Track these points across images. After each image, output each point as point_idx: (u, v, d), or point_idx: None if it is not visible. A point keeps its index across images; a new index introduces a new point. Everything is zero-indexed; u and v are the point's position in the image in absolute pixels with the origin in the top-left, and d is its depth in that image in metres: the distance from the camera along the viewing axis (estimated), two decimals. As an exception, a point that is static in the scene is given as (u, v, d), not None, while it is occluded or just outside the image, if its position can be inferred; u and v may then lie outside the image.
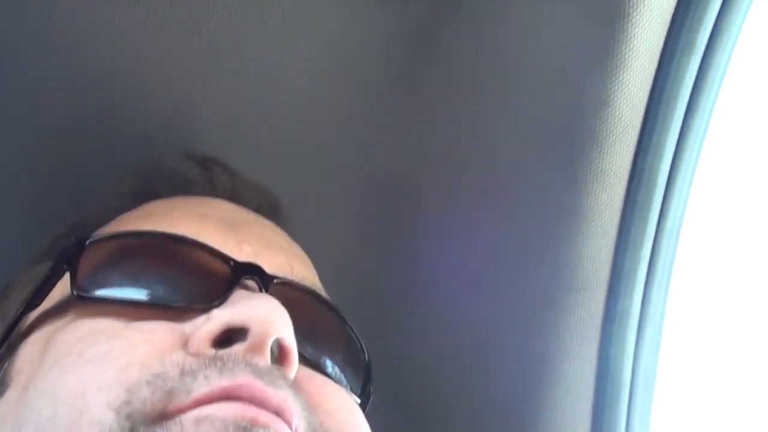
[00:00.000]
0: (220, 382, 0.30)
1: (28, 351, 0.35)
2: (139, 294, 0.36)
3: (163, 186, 0.45)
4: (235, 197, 0.45)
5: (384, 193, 0.50)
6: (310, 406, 0.33)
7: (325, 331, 0.39)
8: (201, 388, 0.30)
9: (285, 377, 0.33)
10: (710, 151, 0.47)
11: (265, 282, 0.36)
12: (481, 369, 0.50)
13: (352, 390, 0.39)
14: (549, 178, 0.43)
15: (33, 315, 0.37)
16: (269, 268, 0.37)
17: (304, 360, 0.36)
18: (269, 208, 0.45)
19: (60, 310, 0.36)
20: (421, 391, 0.53)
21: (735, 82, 0.46)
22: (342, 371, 0.39)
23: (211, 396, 0.30)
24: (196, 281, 0.36)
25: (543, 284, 0.47)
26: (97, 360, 0.32)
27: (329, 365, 0.38)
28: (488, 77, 0.44)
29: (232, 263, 0.36)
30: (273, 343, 0.33)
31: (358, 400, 0.39)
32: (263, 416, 0.30)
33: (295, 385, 0.33)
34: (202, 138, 0.48)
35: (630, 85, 0.43)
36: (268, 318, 0.33)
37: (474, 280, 0.49)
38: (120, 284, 0.36)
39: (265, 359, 0.32)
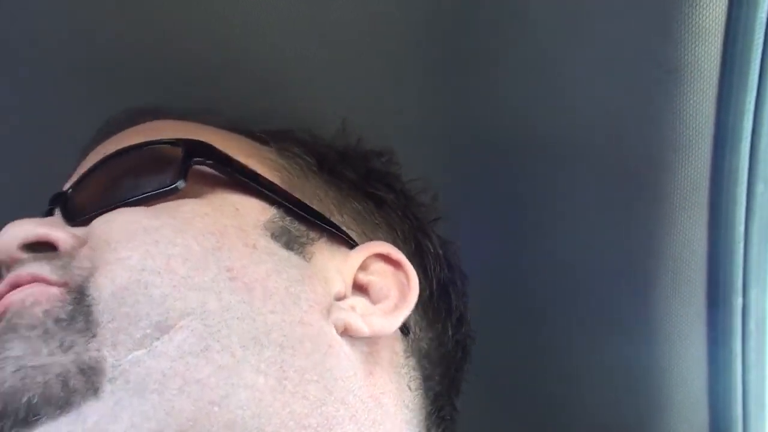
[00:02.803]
0: None
1: None
2: None
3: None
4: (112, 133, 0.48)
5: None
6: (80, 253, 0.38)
7: (127, 171, 0.42)
8: None
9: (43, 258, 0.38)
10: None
11: (61, 201, 0.43)
12: (589, 239, 0.52)
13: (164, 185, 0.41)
14: (644, 34, 0.44)
15: None
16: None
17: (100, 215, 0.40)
18: (122, 124, 0.48)
19: None
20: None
21: None
22: (146, 182, 0.41)
23: None
24: None
25: (645, 145, 0.48)
26: None
27: (130, 192, 0.40)
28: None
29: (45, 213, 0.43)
30: (19, 248, 0.38)
31: (172, 183, 0.40)
32: None
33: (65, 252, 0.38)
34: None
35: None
36: None
37: (571, 153, 0.50)
38: None
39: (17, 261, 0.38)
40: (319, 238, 0.43)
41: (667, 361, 0.54)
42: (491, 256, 0.56)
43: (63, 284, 0.36)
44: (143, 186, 0.41)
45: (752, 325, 0.53)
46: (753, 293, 0.52)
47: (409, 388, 0.43)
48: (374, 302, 0.42)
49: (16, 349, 0.33)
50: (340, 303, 0.41)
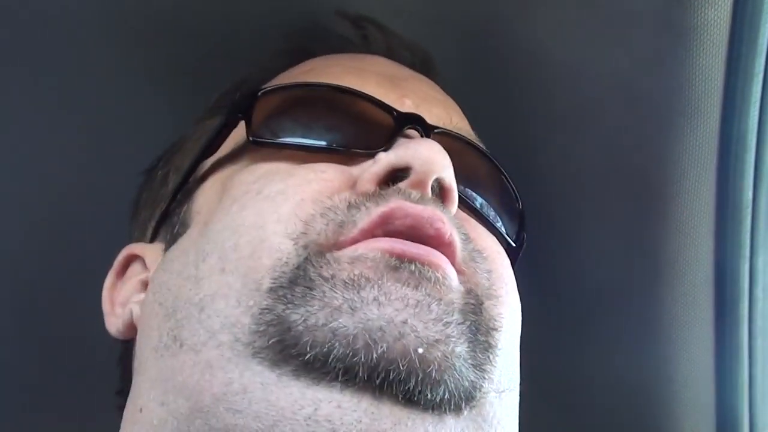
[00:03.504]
0: (377, 210, 0.34)
1: (206, 193, 0.40)
2: (309, 139, 0.39)
3: (318, 45, 0.47)
4: (389, 54, 0.47)
5: None
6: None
7: (482, 178, 0.42)
8: (363, 218, 0.34)
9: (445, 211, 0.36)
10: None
11: (426, 131, 0.39)
12: (602, 192, 0.52)
13: (507, 235, 0.42)
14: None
15: (209, 162, 0.41)
16: (429, 119, 0.40)
17: (462, 203, 0.39)
18: (423, 65, 0.48)
19: (235, 155, 0.40)
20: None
21: None
22: (497, 216, 0.41)
23: (371, 224, 0.33)
24: (361, 129, 0.39)
25: (655, 109, 0.48)
26: (275, 196, 0.35)
27: (485, 209, 0.41)
28: None
29: (395, 113, 0.39)
30: (434, 182, 0.36)
31: (514, 244, 0.42)
32: (412, 249, 0.33)
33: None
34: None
35: None
36: (430, 158, 0.36)
37: (580, 117, 0.51)
38: (291, 130, 0.39)
39: (425, 193, 0.35)
40: None
41: (674, 326, 0.55)
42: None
43: (459, 272, 0.35)
44: (496, 214, 0.42)
45: (759, 291, 0.54)
46: (760, 259, 0.53)
47: None
48: None
49: (461, 346, 0.32)
50: None
